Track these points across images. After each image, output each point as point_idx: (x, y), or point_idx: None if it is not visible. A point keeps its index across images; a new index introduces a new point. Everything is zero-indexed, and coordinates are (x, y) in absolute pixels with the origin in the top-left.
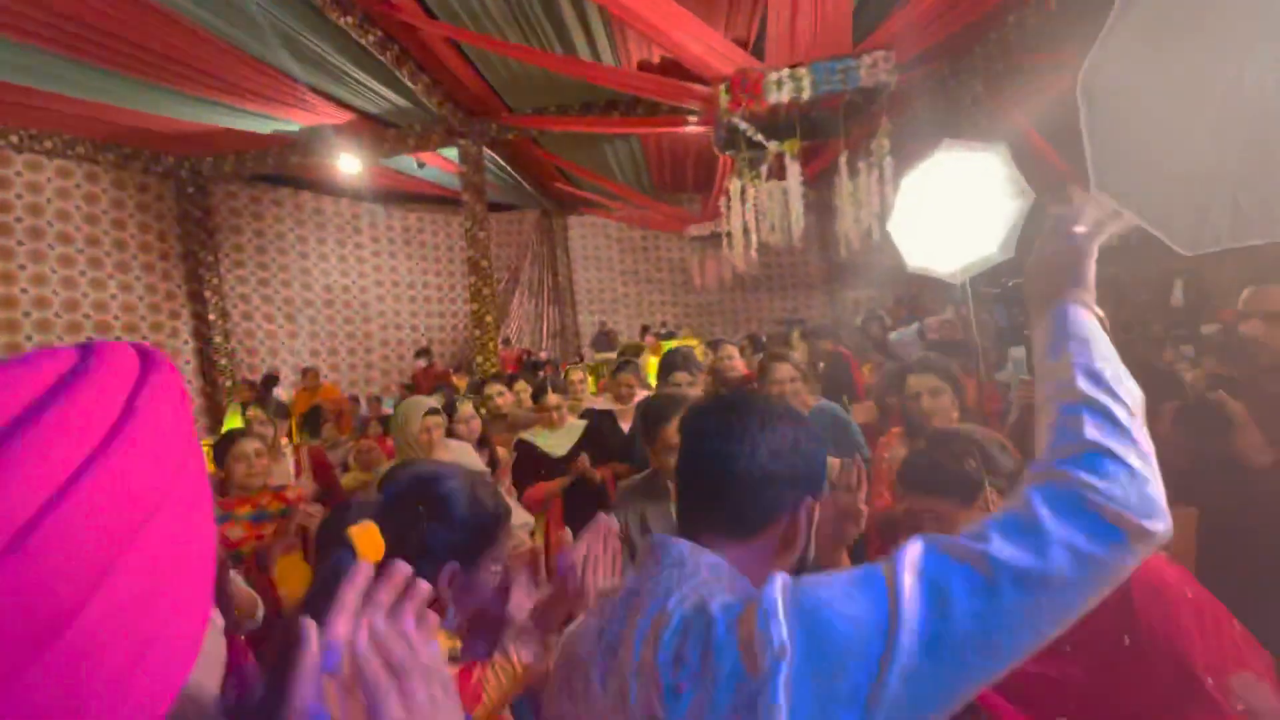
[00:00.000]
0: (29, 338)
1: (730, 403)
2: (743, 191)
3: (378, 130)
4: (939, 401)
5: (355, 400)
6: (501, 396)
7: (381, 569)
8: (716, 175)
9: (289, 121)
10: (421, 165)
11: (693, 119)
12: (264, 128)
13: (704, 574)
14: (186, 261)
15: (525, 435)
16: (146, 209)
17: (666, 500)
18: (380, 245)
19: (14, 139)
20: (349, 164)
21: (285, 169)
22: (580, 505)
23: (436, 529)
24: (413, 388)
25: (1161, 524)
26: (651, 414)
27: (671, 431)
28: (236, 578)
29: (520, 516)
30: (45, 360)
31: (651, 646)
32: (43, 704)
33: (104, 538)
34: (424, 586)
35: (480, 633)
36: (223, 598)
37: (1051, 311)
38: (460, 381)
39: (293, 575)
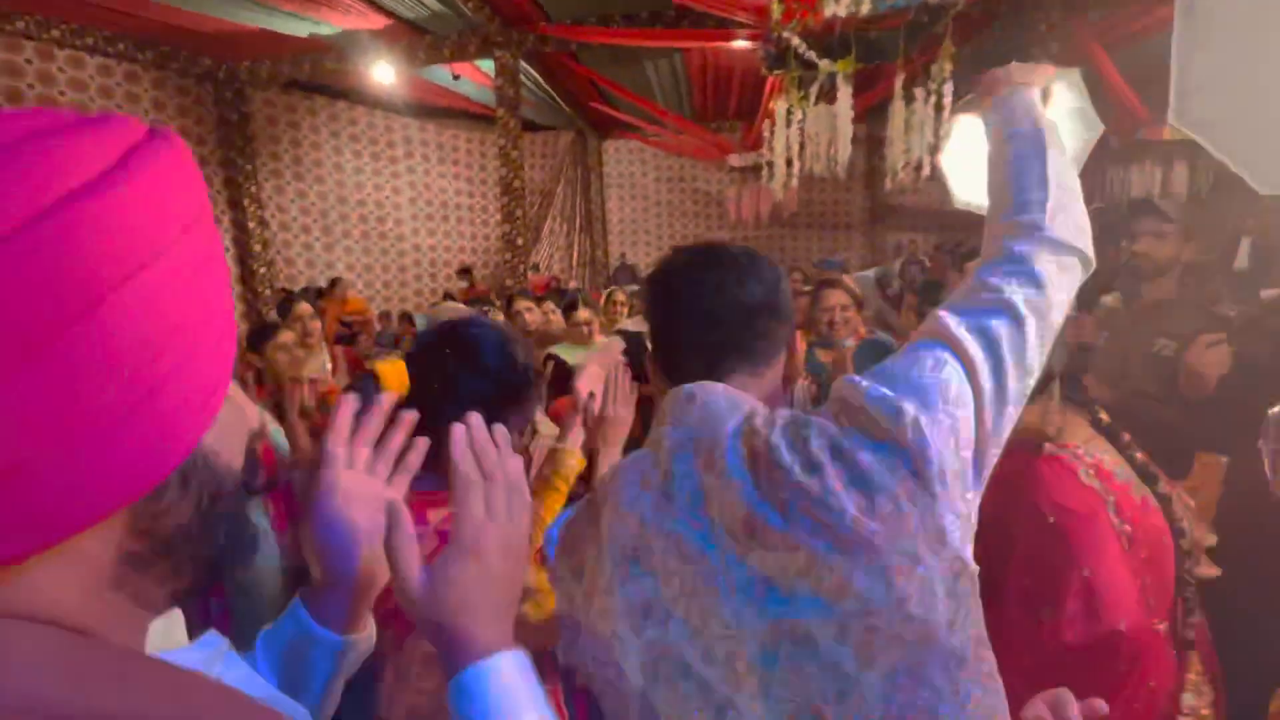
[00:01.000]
0: None
1: (711, 251)
2: (788, 114)
3: (414, 38)
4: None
5: (387, 316)
6: (530, 313)
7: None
8: (761, 101)
9: (326, 24)
10: (456, 78)
11: (742, 32)
12: (301, 30)
13: (752, 402)
14: (225, 168)
15: (555, 349)
16: (186, 112)
17: None
18: (414, 161)
19: (55, 33)
20: (384, 73)
21: (320, 76)
22: None
23: (464, 375)
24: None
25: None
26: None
27: None
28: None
29: (548, 428)
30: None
31: (766, 466)
32: (70, 373)
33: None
34: (408, 418)
35: None
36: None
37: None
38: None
39: None
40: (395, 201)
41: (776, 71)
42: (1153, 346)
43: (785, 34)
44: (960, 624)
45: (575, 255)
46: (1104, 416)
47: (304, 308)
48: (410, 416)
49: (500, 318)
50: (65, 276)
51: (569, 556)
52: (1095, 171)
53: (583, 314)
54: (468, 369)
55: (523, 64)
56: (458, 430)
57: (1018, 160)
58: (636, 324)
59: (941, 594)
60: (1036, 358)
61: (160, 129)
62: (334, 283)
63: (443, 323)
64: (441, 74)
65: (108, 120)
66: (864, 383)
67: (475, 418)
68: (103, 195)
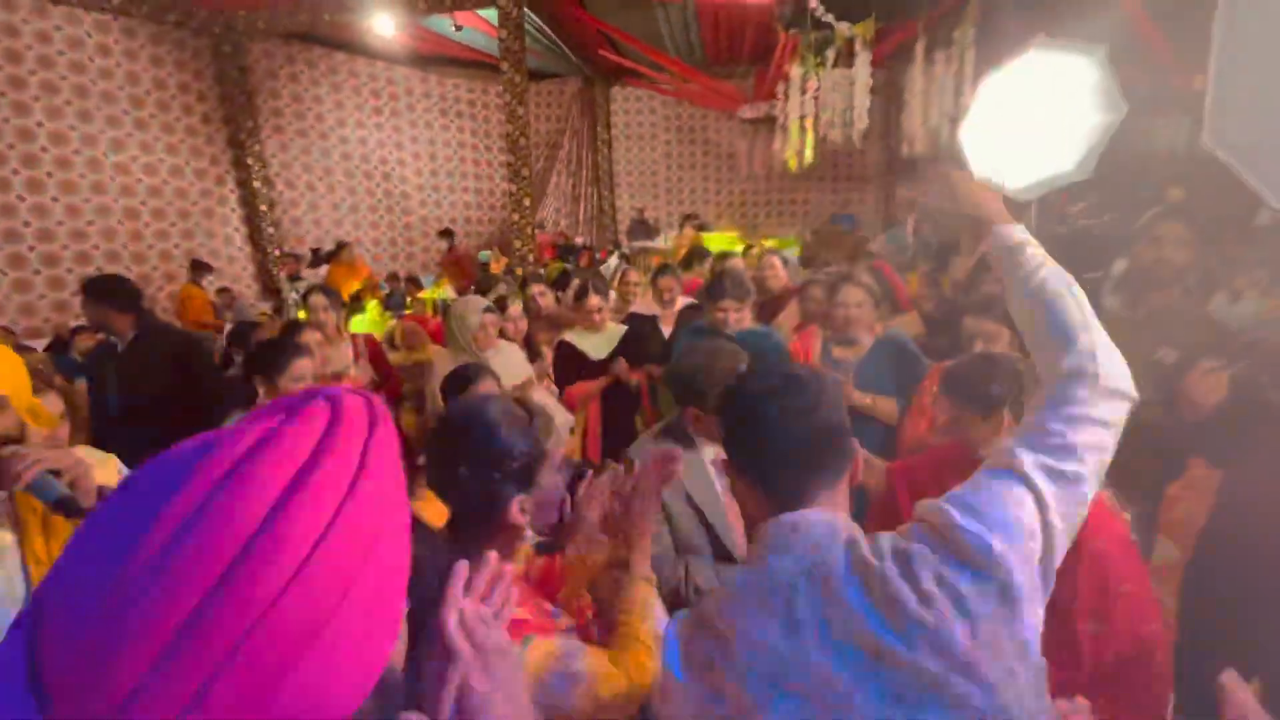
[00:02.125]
0: (86, 199)
1: (787, 377)
2: (804, 79)
3: None
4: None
5: (396, 278)
6: (544, 297)
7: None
8: (776, 49)
9: None
10: (459, 28)
11: None
12: None
13: (847, 524)
14: (228, 125)
15: (567, 336)
16: (184, 67)
17: (695, 449)
18: (416, 114)
19: None
20: (384, 24)
21: (320, 27)
22: (617, 406)
23: (492, 476)
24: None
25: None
26: (694, 376)
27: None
28: None
29: (562, 416)
30: (307, 422)
31: (885, 600)
32: (306, 685)
33: (349, 562)
34: (508, 570)
35: (554, 528)
36: None
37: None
38: (497, 265)
39: None
40: (399, 158)
41: (792, 30)
42: (1153, 354)
43: None
44: (1043, 714)
45: (583, 210)
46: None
47: (318, 300)
48: (509, 575)
49: (518, 306)
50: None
51: (704, 677)
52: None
53: (593, 300)
54: (496, 470)
55: (526, 11)
56: (450, 618)
57: (1053, 304)
58: (647, 305)
59: (1030, 697)
60: (1091, 490)
61: (371, 407)
62: (340, 247)
63: (458, 410)
64: (443, 23)
65: (331, 415)
66: (955, 513)
67: (469, 606)
68: (357, 492)
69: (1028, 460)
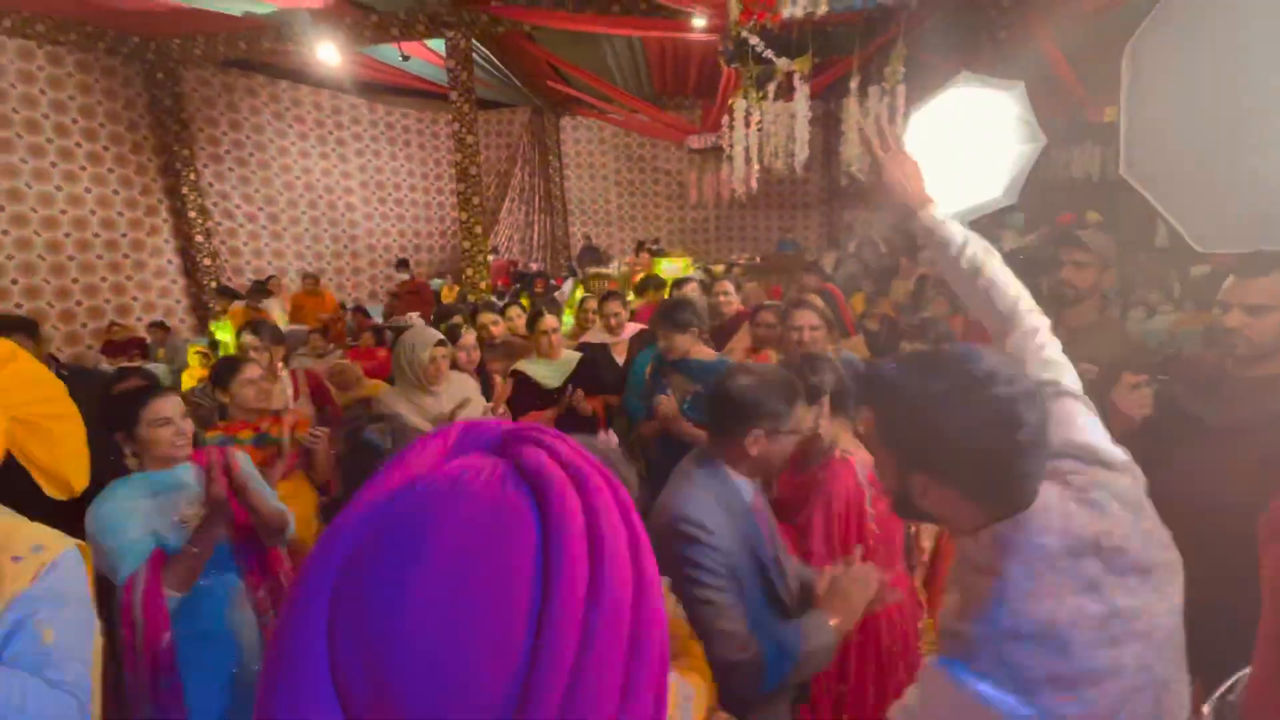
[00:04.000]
0: (5, 231)
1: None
2: (747, 112)
3: (358, 16)
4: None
5: (359, 310)
6: (496, 325)
7: None
8: (720, 85)
9: (261, 3)
10: (406, 58)
11: (698, 24)
12: (233, 8)
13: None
14: (161, 154)
15: (520, 366)
16: (115, 96)
17: (728, 476)
18: (364, 143)
19: None
20: (327, 53)
21: (258, 54)
22: (572, 434)
23: None
24: (396, 298)
25: None
26: (748, 399)
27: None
28: (266, 494)
29: None
30: (517, 536)
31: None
32: None
33: (615, 662)
34: None
35: None
36: (256, 515)
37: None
38: (450, 293)
39: (299, 496)
40: (345, 186)
41: (735, 65)
42: (1076, 369)
43: (744, 32)
44: None
45: (535, 236)
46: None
47: (248, 339)
48: None
49: (471, 336)
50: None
51: (1044, 689)
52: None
53: (548, 322)
54: None
55: (475, 43)
56: None
57: (990, 288)
58: (597, 333)
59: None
60: None
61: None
62: (265, 281)
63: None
64: (390, 52)
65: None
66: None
67: None
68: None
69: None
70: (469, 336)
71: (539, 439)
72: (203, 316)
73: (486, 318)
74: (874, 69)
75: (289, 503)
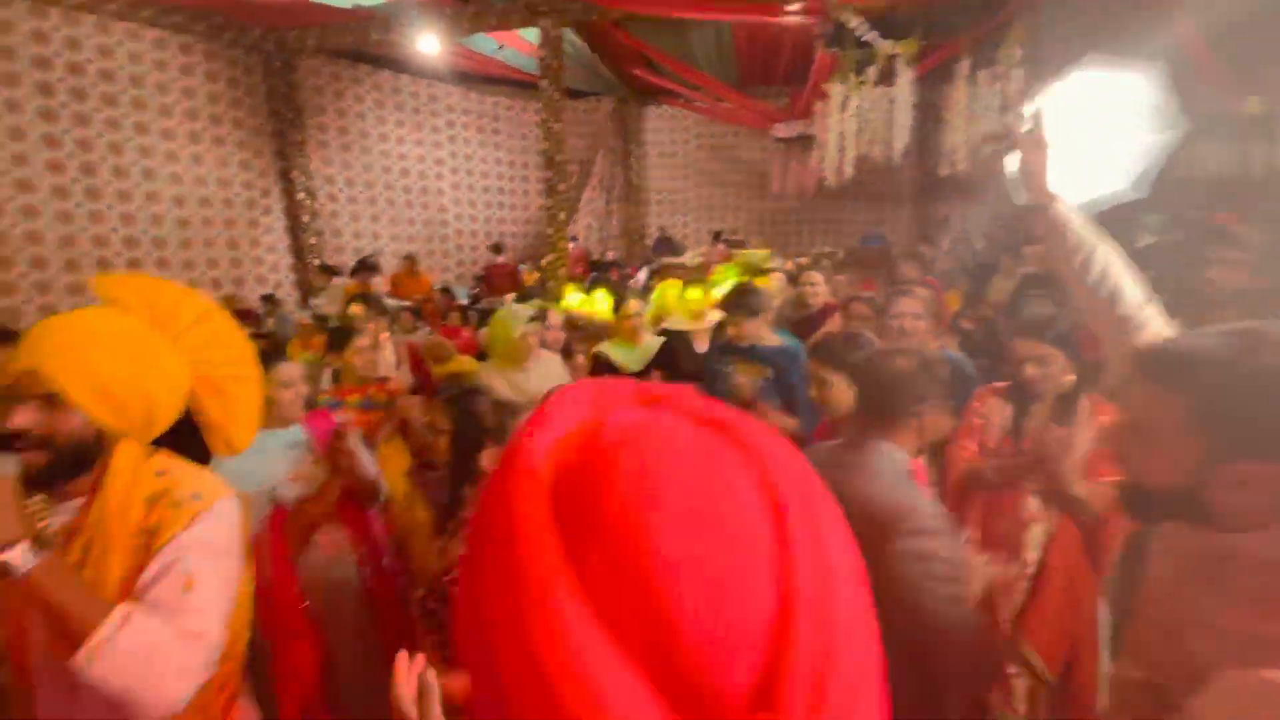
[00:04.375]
0: (139, 207)
1: None
2: (845, 98)
3: (458, 7)
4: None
5: (446, 291)
6: (581, 306)
7: None
8: (812, 70)
9: None
10: (500, 47)
11: (793, 8)
12: (345, 1)
13: None
14: (276, 139)
15: (601, 349)
16: (237, 84)
17: (875, 457)
18: (456, 130)
19: (113, 6)
20: (428, 43)
21: (365, 45)
22: None
23: None
24: (484, 281)
25: None
26: (906, 381)
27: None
28: (366, 457)
29: None
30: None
31: None
32: None
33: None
34: None
35: None
36: (351, 476)
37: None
38: (529, 277)
39: (394, 459)
40: (437, 172)
41: (832, 50)
42: None
43: (844, 14)
44: None
45: (614, 226)
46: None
47: (357, 309)
48: None
49: (558, 316)
50: None
51: None
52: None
53: (632, 306)
54: None
55: (566, 31)
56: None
57: (1121, 276)
58: (679, 322)
59: None
60: None
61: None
62: (370, 259)
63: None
64: (484, 42)
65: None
66: None
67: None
68: None
69: None
70: (555, 317)
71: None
72: (306, 291)
73: (573, 300)
74: (985, 52)
75: (385, 465)
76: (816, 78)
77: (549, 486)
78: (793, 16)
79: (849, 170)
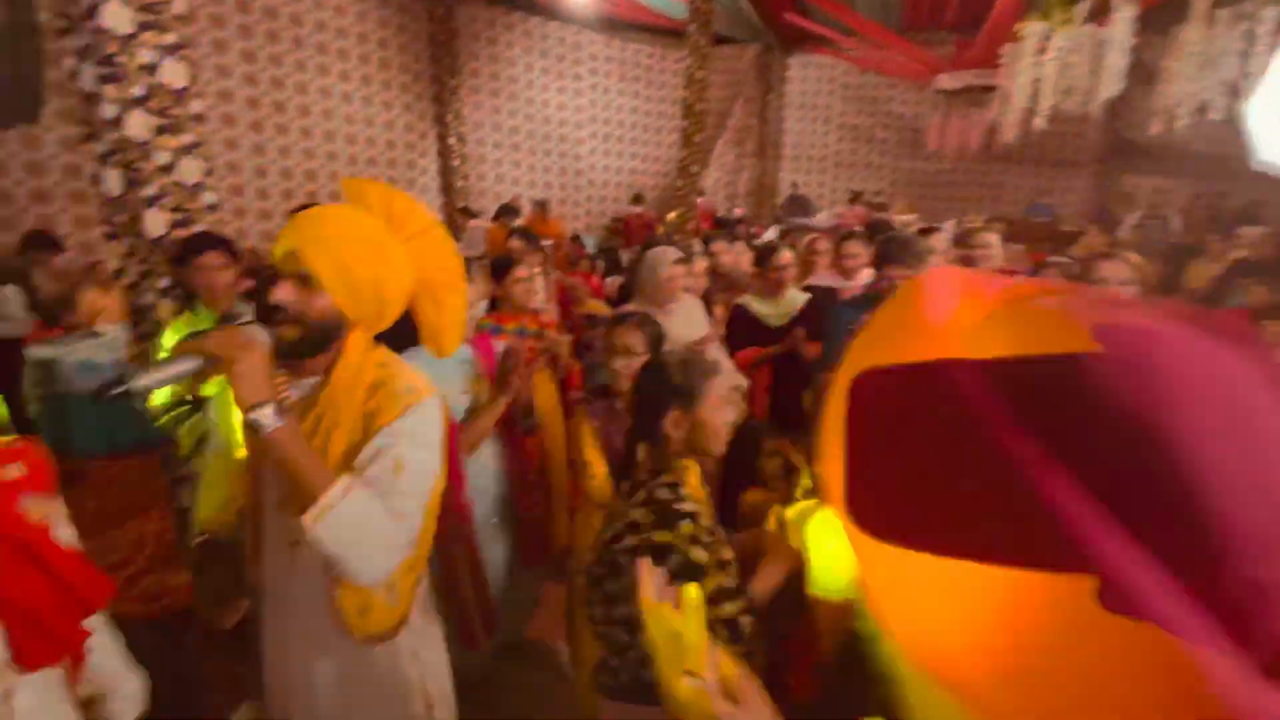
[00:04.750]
0: (318, 145)
1: None
2: (1046, 39)
3: None
4: None
5: (575, 238)
6: (726, 254)
7: None
8: (994, 11)
9: None
10: None
11: None
12: None
13: None
14: (433, 84)
15: (743, 300)
16: (404, 30)
17: None
18: (598, 78)
19: None
20: None
21: None
22: (789, 378)
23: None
24: (619, 231)
25: None
26: None
27: None
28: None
29: (736, 378)
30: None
31: None
32: None
33: None
34: None
35: None
36: (514, 395)
37: None
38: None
39: (542, 386)
40: (577, 120)
41: None
42: None
43: None
44: None
45: (743, 182)
46: None
47: (516, 243)
48: None
49: (703, 262)
50: None
51: None
52: None
53: (784, 257)
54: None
55: None
56: None
57: None
58: (831, 278)
59: None
60: None
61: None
62: (536, 205)
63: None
64: None
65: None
66: None
67: None
68: None
69: None
70: (700, 263)
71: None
72: (454, 231)
73: (719, 245)
74: None
75: (534, 393)
76: (998, 20)
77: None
78: None
79: (1041, 123)
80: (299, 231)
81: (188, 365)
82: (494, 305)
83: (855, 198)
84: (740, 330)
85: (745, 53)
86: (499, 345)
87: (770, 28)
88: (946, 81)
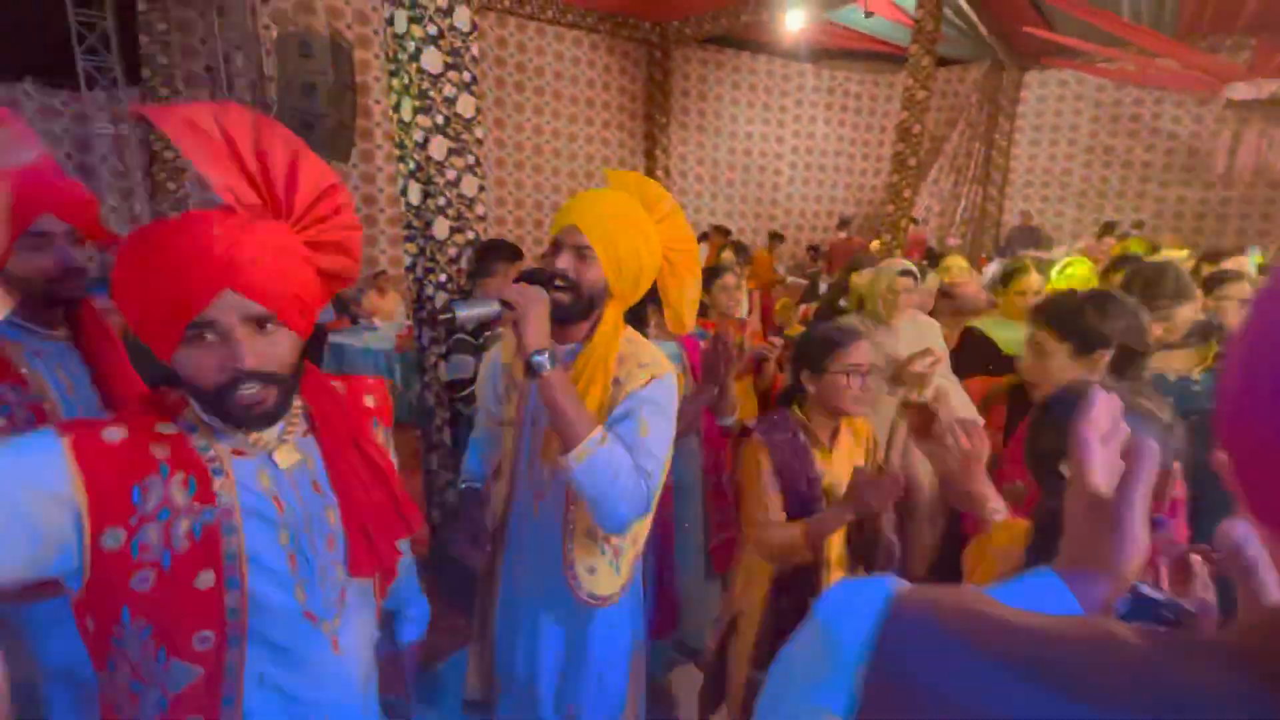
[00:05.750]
0: (546, 179)
1: None
2: None
3: None
4: None
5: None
6: (961, 274)
7: None
8: None
9: None
10: (869, 15)
11: None
12: None
13: None
14: (647, 122)
15: (977, 323)
16: (626, 73)
17: None
18: (802, 109)
19: (549, 13)
20: (794, 19)
21: (734, 29)
22: (1023, 415)
23: None
24: (825, 256)
25: None
26: None
27: None
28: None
29: (967, 410)
30: None
31: None
32: None
33: None
34: None
35: None
36: (723, 394)
37: None
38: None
39: (746, 397)
40: (777, 151)
41: None
42: None
43: None
44: None
45: (960, 210)
46: None
47: (727, 254)
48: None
49: (934, 280)
50: None
51: None
52: None
53: (1031, 281)
54: None
55: None
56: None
57: None
58: None
59: None
60: None
61: None
62: (717, 228)
63: None
64: (849, 15)
65: None
66: None
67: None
68: None
69: None
70: (931, 281)
71: None
72: None
73: (955, 261)
74: None
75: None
76: None
77: None
78: None
79: None
80: (579, 209)
81: (493, 308)
82: (702, 311)
83: (1107, 229)
84: (972, 355)
85: (969, 73)
86: (703, 348)
87: (1003, 43)
88: (1240, 91)
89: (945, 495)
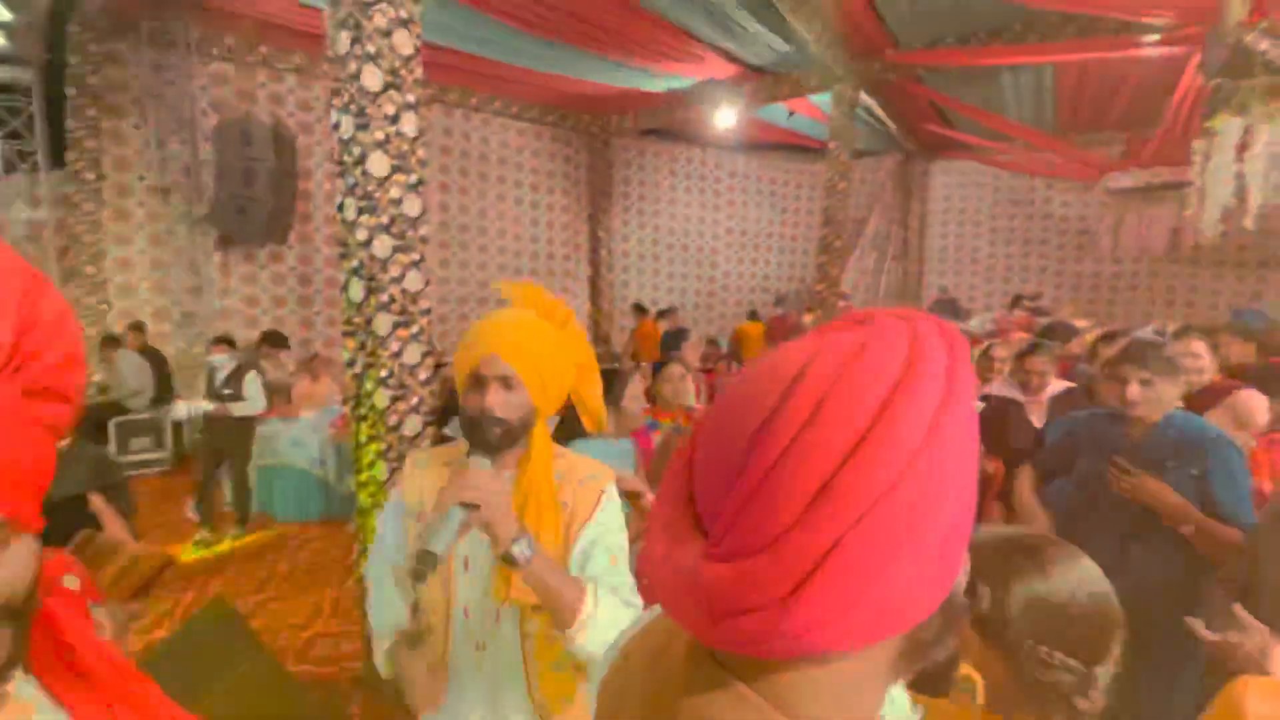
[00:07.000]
0: (496, 252)
1: None
2: (1245, 133)
3: (756, 80)
4: None
5: (712, 341)
6: None
7: None
8: (1172, 108)
9: (678, 77)
10: (791, 114)
11: (1150, 38)
12: (659, 86)
13: None
14: (589, 204)
15: None
16: (569, 161)
17: None
18: (735, 194)
19: (495, 105)
20: (725, 116)
21: (671, 123)
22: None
23: None
24: (731, 344)
25: None
26: None
27: None
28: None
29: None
30: (887, 354)
31: None
32: (901, 580)
33: (950, 464)
34: None
35: None
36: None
37: None
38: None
39: None
40: (714, 233)
41: (1227, 80)
42: None
43: (1249, 36)
44: None
45: (883, 284)
46: None
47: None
48: None
49: None
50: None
51: None
52: None
53: (1037, 362)
54: None
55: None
56: None
57: None
58: (1006, 389)
59: None
60: None
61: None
62: (668, 310)
63: None
64: (774, 111)
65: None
66: None
67: None
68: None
69: None
70: None
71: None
72: (597, 334)
73: None
74: None
75: None
76: (1181, 117)
77: None
78: (1151, 49)
79: (1250, 224)
80: (496, 337)
81: (458, 519)
82: (650, 399)
83: (1015, 301)
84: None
85: (881, 164)
86: (656, 439)
87: (910, 138)
88: (1116, 181)
89: None
